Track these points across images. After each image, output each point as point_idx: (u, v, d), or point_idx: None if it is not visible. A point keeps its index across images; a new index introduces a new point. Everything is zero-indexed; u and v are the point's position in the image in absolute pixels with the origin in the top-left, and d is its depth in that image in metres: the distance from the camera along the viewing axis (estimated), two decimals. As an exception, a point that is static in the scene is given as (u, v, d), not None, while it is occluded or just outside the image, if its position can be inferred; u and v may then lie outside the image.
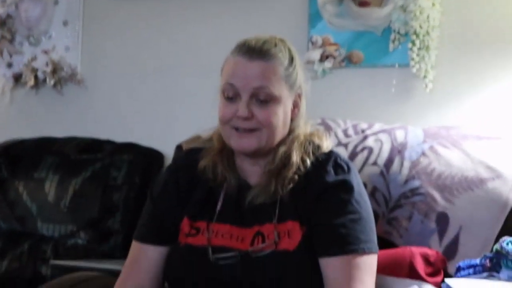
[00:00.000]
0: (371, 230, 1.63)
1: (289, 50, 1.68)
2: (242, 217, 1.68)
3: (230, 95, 1.64)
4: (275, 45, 1.66)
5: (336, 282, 1.57)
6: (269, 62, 1.63)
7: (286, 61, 1.66)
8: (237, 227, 1.67)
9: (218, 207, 1.70)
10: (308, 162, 1.67)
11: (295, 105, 1.70)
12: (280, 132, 1.67)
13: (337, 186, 1.64)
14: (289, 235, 1.62)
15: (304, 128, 1.72)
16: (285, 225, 1.64)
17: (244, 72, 1.62)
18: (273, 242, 1.61)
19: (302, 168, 1.66)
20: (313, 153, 1.69)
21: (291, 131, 1.69)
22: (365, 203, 1.65)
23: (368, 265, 1.59)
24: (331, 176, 1.65)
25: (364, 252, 1.59)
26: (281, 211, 1.65)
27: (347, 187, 1.64)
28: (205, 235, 1.66)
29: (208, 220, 1.69)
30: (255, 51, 1.63)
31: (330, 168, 1.66)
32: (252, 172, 1.71)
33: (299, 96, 1.70)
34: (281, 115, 1.65)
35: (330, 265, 1.58)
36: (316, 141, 1.72)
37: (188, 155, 1.80)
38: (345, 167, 1.67)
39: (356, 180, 1.67)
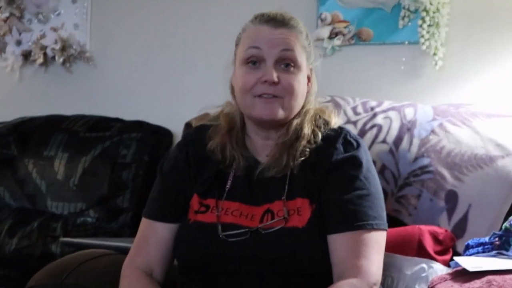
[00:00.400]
0: (380, 207, 1.63)
1: (303, 25, 1.71)
2: (252, 195, 1.68)
3: (254, 60, 1.64)
4: (292, 17, 1.69)
5: (343, 258, 1.57)
6: (292, 31, 1.66)
7: (304, 32, 1.69)
8: (246, 205, 1.68)
9: (228, 185, 1.70)
10: (320, 135, 1.68)
11: (309, 79, 1.71)
12: (300, 102, 1.68)
13: (345, 162, 1.65)
14: (298, 213, 1.63)
15: (314, 103, 1.73)
16: (294, 202, 1.64)
17: (269, 38, 1.64)
18: (283, 219, 1.62)
19: (312, 141, 1.67)
20: (323, 128, 1.69)
21: (303, 105, 1.70)
22: (374, 179, 1.65)
23: (375, 241, 1.60)
24: (340, 153, 1.65)
25: (372, 228, 1.59)
26: (291, 187, 1.66)
27: (355, 163, 1.64)
28: (214, 213, 1.67)
29: (218, 198, 1.69)
30: (277, 20, 1.66)
31: (339, 145, 1.67)
32: (263, 147, 1.71)
33: (311, 71, 1.72)
34: (302, 84, 1.67)
35: (337, 241, 1.59)
36: (326, 117, 1.72)
37: (197, 131, 1.80)
38: (355, 144, 1.67)
39: (366, 156, 1.67)
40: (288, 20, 1.66)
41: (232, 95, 1.73)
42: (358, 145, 1.68)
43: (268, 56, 1.63)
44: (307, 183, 1.65)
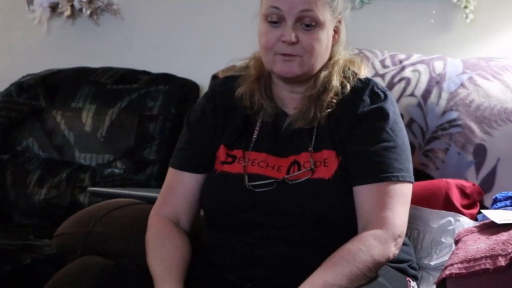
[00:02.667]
0: (406, 159, 1.62)
1: None
2: (278, 146, 1.68)
3: (274, 19, 1.63)
4: None
5: (368, 210, 1.57)
6: None
7: None
8: (273, 156, 1.68)
9: (255, 135, 1.70)
10: (348, 87, 1.66)
11: (336, 31, 1.69)
12: (322, 58, 1.66)
13: (371, 114, 1.63)
14: (325, 164, 1.63)
15: (343, 54, 1.71)
16: (321, 154, 1.64)
17: None
18: (309, 170, 1.62)
19: (340, 93, 1.66)
20: (352, 78, 1.68)
21: (331, 57, 1.69)
22: (400, 131, 1.64)
23: (401, 193, 1.59)
24: (366, 105, 1.64)
25: (398, 180, 1.58)
26: (317, 139, 1.65)
27: (382, 114, 1.63)
28: (241, 163, 1.67)
29: (244, 149, 1.69)
30: None
31: (366, 97, 1.65)
32: (290, 100, 1.71)
33: (339, 22, 1.70)
34: (324, 41, 1.65)
35: (362, 193, 1.59)
36: (355, 68, 1.71)
37: (225, 82, 1.79)
38: (382, 95, 1.66)
39: (393, 108, 1.66)
40: None
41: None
42: (386, 96, 1.66)
43: (288, 15, 1.61)
44: (333, 135, 1.65)
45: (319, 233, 1.60)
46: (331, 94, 1.65)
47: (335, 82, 1.66)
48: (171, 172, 1.77)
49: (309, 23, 1.62)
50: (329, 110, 1.65)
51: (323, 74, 1.67)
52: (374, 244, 1.52)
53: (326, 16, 1.64)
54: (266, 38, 1.64)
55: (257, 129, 1.71)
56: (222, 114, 1.74)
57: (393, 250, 1.56)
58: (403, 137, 1.64)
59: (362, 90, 1.67)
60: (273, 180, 1.63)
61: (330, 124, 1.65)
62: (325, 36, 1.65)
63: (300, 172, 1.63)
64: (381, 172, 1.59)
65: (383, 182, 1.58)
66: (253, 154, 1.69)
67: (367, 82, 1.69)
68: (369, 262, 1.51)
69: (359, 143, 1.61)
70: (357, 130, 1.63)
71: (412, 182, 1.63)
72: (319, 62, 1.66)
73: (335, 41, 1.69)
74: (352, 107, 1.65)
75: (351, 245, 1.53)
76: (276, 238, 1.62)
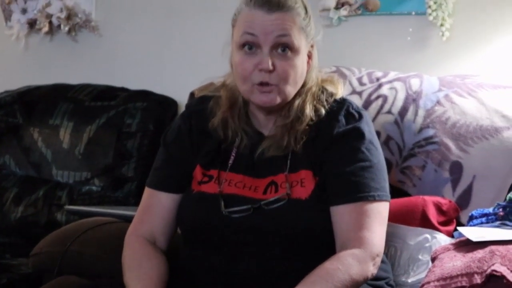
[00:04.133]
0: (382, 178, 1.63)
1: (302, 0, 1.66)
2: (255, 168, 1.68)
3: (250, 45, 1.61)
4: None
5: (345, 229, 1.57)
6: (288, 13, 1.61)
7: (302, 12, 1.65)
8: (250, 177, 1.68)
9: (231, 160, 1.70)
10: (323, 111, 1.67)
11: (309, 56, 1.69)
12: (297, 84, 1.66)
13: (347, 134, 1.64)
14: (302, 184, 1.63)
15: (316, 79, 1.71)
16: (298, 174, 1.64)
17: (264, 24, 1.60)
18: (285, 194, 1.62)
19: (314, 118, 1.66)
20: (326, 101, 1.69)
21: (304, 83, 1.69)
22: (376, 151, 1.65)
23: (378, 212, 1.60)
24: (342, 125, 1.65)
25: (374, 199, 1.59)
26: (293, 161, 1.65)
27: (357, 134, 1.64)
28: (217, 183, 1.67)
29: (221, 169, 1.69)
30: (273, 3, 1.61)
31: (341, 118, 1.66)
32: (266, 122, 1.71)
33: (312, 46, 1.69)
34: (299, 67, 1.64)
35: (339, 213, 1.59)
36: (329, 88, 1.71)
37: (199, 101, 1.79)
38: (356, 115, 1.67)
39: (368, 128, 1.66)
40: (284, 2, 1.61)
41: (232, 72, 1.71)
42: (361, 116, 1.67)
43: (263, 43, 1.60)
44: (310, 156, 1.65)
45: (297, 252, 1.60)
46: (304, 124, 1.65)
47: (308, 111, 1.66)
48: (147, 191, 1.76)
49: (284, 50, 1.61)
50: (304, 138, 1.65)
51: (297, 102, 1.66)
52: (352, 264, 1.52)
53: (301, 42, 1.63)
54: (243, 67, 1.62)
55: (234, 153, 1.71)
56: (197, 134, 1.74)
57: (371, 269, 1.56)
58: (379, 156, 1.65)
59: (338, 111, 1.67)
60: (249, 206, 1.62)
61: (307, 147, 1.65)
62: (300, 62, 1.64)
63: (276, 196, 1.62)
64: (358, 192, 1.59)
65: (360, 202, 1.59)
66: (230, 175, 1.68)
67: (342, 102, 1.69)
68: (347, 281, 1.51)
69: (336, 163, 1.62)
70: (334, 151, 1.63)
71: (389, 201, 1.64)
72: (294, 89, 1.65)
73: (308, 67, 1.69)
74: (327, 128, 1.65)
75: (329, 264, 1.53)
76: (253, 255, 1.61)
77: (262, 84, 1.61)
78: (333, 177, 1.61)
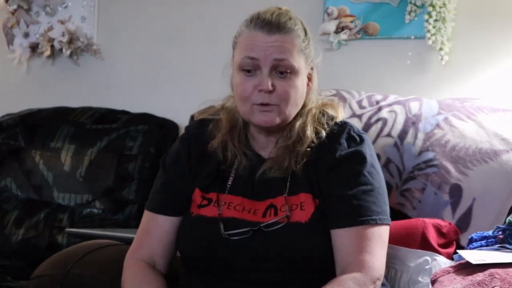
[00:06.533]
0: (383, 202, 1.64)
1: (301, 22, 1.68)
2: (254, 190, 1.69)
3: (249, 68, 1.63)
4: (290, 18, 1.66)
5: (346, 253, 1.58)
6: (288, 35, 1.63)
7: (302, 34, 1.66)
8: (249, 200, 1.68)
9: (230, 181, 1.70)
10: (324, 133, 1.68)
11: (309, 78, 1.70)
12: (298, 105, 1.67)
13: (349, 158, 1.65)
14: (301, 207, 1.63)
15: (316, 101, 1.72)
16: (297, 197, 1.65)
17: (263, 46, 1.62)
18: (285, 216, 1.62)
19: (315, 140, 1.67)
20: (327, 123, 1.69)
21: (305, 105, 1.70)
22: (377, 175, 1.66)
23: (379, 236, 1.61)
24: (344, 149, 1.66)
25: (375, 223, 1.60)
26: (293, 184, 1.66)
27: (359, 158, 1.65)
28: (217, 206, 1.67)
29: (220, 192, 1.70)
30: (273, 25, 1.63)
31: (343, 141, 1.67)
32: (266, 144, 1.72)
33: (312, 69, 1.71)
34: (300, 88, 1.66)
35: (341, 236, 1.60)
36: (330, 111, 1.72)
37: (199, 125, 1.79)
38: (358, 139, 1.68)
39: (369, 151, 1.67)
40: (284, 24, 1.63)
41: (233, 93, 1.72)
42: (362, 140, 1.68)
43: (263, 64, 1.62)
44: (310, 179, 1.66)
45: (297, 276, 1.60)
46: (305, 145, 1.66)
47: (309, 132, 1.67)
48: (146, 214, 1.76)
49: (284, 71, 1.63)
50: (304, 160, 1.65)
51: (298, 123, 1.67)
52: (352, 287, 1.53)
53: (300, 63, 1.65)
54: (243, 88, 1.64)
55: (233, 175, 1.71)
56: (197, 157, 1.74)
57: None
58: (380, 180, 1.66)
59: (339, 134, 1.68)
60: (249, 229, 1.62)
61: (307, 169, 1.66)
62: (300, 83, 1.66)
63: (276, 219, 1.62)
64: (360, 215, 1.60)
65: (362, 226, 1.59)
66: (229, 197, 1.69)
67: (343, 125, 1.71)
68: None
69: (337, 186, 1.63)
70: (335, 174, 1.64)
71: (389, 224, 1.64)
72: (294, 110, 1.67)
73: (308, 89, 1.70)
74: (329, 151, 1.66)
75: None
76: (255, 281, 1.61)
77: (262, 104, 1.63)
78: (334, 200, 1.62)
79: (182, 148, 1.76)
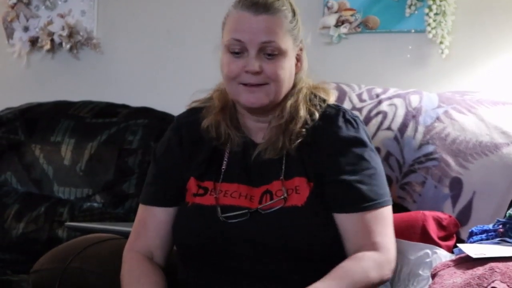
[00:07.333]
0: (384, 183, 1.68)
1: (290, 3, 1.67)
2: (249, 176, 1.68)
3: (237, 50, 1.62)
4: None
5: (358, 236, 1.60)
6: (275, 16, 1.62)
7: (289, 14, 1.66)
8: (244, 186, 1.67)
9: (224, 166, 1.69)
10: (317, 115, 1.67)
11: (298, 59, 1.70)
12: (286, 86, 1.67)
13: (350, 142, 1.66)
14: (296, 191, 1.64)
15: (307, 82, 1.72)
16: (292, 181, 1.65)
17: (250, 27, 1.61)
18: (282, 199, 1.62)
19: (309, 121, 1.67)
20: (319, 105, 1.69)
21: (295, 84, 1.70)
22: (376, 157, 1.69)
23: (387, 217, 1.64)
24: (344, 131, 1.66)
25: (382, 205, 1.63)
26: (288, 167, 1.66)
27: (360, 143, 1.66)
28: (213, 195, 1.67)
29: (215, 180, 1.69)
30: (259, 5, 1.62)
31: (341, 124, 1.67)
32: (257, 129, 1.71)
33: (301, 49, 1.70)
34: (287, 69, 1.65)
35: (349, 221, 1.61)
36: (321, 94, 1.72)
37: (189, 113, 1.78)
38: (354, 123, 1.69)
39: (366, 134, 1.70)
40: (271, 4, 1.62)
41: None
42: (357, 123, 1.70)
43: (250, 46, 1.61)
44: (304, 162, 1.66)
45: (295, 263, 1.61)
46: (299, 125, 1.66)
47: (302, 112, 1.67)
48: (141, 207, 1.76)
49: (271, 53, 1.62)
50: (299, 140, 1.65)
51: (289, 103, 1.67)
52: (371, 266, 1.56)
53: (288, 45, 1.64)
54: (229, 69, 1.63)
55: (226, 159, 1.70)
56: (189, 145, 1.72)
57: (388, 273, 1.59)
58: (378, 162, 1.69)
59: (335, 117, 1.68)
60: (246, 211, 1.62)
61: (301, 151, 1.66)
62: (288, 64, 1.65)
63: (273, 201, 1.63)
64: (368, 200, 1.62)
65: (371, 210, 1.62)
66: (225, 185, 1.68)
67: (337, 108, 1.71)
68: (364, 283, 1.54)
69: (341, 172, 1.63)
70: (337, 159, 1.64)
71: (392, 204, 1.68)
72: (284, 90, 1.66)
73: (298, 69, 1.70)
74: (327, 134, 1.66)
75: (348, 263, 1.56)
76: (252, 271, 1.61)
77: (248, 85, 1.63)
78: (339, 185, 1.63)
79: (172, 137, 1.75)
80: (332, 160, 1.64)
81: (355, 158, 1.64)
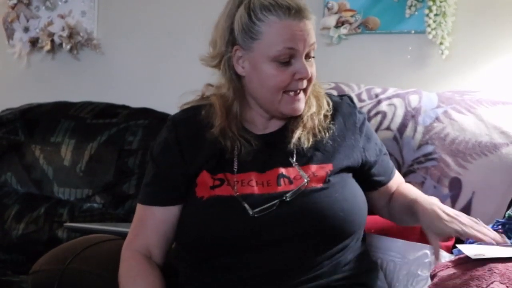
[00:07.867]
0: None
1: None
2: (263, 162, 1.68)
3: (287, 60, 1.63)
4: (305, 3, 1.68)
5: (391, 186, 1.84)
6: (311, 19, 1.67)
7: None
8: (258, 173, 1.67)
9: (235, 166, 1.68)
10: (331, 103, 1.75)
11: None
12: None
13: (365, 121, 1.78)
14: (314, 175, 1.67)
15: None
16: (307, 167, 1.68)
17: (301, 34, 1.63)
18: (306, 182, 1.65)
19: (329, 109, 1.74)
20: (326, 97, 1.77)
21: None
22: None
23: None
24: (357, 114, 1.77)
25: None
26: (299, 155, 1.68)
27: (366, 119, 1.81)
28: (230, 186, 1.65)
29: (230, 172, 1.68)
30: (301, 11, 1.64)
31: (352, 109, 1.77)
32: (265, 124, 1.72)
33: None
34: None
35: (379, 191, 1.82)
36: (317, 87, 1.76)
37: (184, 111, 1.78)
38: (354, 104, 1.81)
39: None
40: (305, 7, 1.65)
41: (236, 83, 1.69)
42: (354, 103, 1.80)
43: (301, 53, 1.63)
44: (320, 149, 1.69)
45: (323, 242, 1.64)
46: (323, 112, 1.72)
47: (323, 101, 1.74)
48: (140, 207, 1.75)
49: (311, 55, 1.67)
50: (327, 126, 1.72)
51: (312, 95, 1.72)
52: None
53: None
54: (280, 79, 1.63)
55: (236, 157, 1.68)
56: (188, 141, 1.71)
57: None
58: None
59: (348, 105, 1.78)
60: (276, 201, 1.62)
61: (316, 137, 1.70)
62: None
63: (297, 186, 1.64)
64: (392, 172, 1.85)
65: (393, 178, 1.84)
66: (240, 176, 1.67)
67: (341, 96, 1.80)
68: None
69: (372, 154, 1.77)
70: (367, 144, 1.76)
71: None
72: None
73: None
74: (349, 121, 1.75)
75: (405, 185, 1.84)
76: (278, 254, 1.61)
77: (297, 92, 1.66)
78: (373, 165, 1.77)
79: (169, 136, 1.73)
80: (362, 146, 1.75)
81: (376, 139, 1.80)
